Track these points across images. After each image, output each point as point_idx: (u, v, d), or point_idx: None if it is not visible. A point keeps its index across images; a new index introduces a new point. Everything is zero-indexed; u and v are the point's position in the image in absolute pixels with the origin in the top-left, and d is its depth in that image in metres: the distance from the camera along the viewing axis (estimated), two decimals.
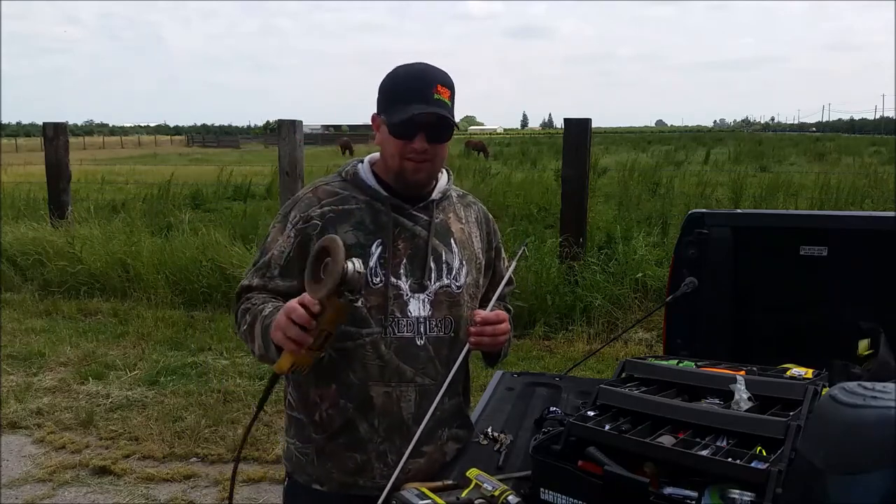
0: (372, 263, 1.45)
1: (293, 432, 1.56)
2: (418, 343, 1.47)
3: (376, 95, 1.49)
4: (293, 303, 1.28)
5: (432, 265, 1.50)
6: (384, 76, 1.47)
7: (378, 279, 1.45)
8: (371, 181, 1.51)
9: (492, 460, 1.57)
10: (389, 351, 1.45)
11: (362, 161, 1.57)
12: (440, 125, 1.42)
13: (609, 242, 5.91)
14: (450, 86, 1.44)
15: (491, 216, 1.70)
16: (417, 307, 1.48)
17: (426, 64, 1.46)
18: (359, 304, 1.41)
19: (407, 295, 1.47)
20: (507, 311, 1.70)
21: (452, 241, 1.54)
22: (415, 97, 1.40)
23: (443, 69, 1.47)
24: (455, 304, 1.52)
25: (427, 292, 1.49)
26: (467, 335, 1.48)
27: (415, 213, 1.51)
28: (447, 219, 1.56)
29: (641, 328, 5.03)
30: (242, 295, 1.53)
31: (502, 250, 1.73)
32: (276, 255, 1.49)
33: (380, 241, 1.46)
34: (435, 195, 1.54)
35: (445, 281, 1.51)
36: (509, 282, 1.71)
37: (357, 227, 1.47)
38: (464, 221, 1.60)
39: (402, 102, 1.40)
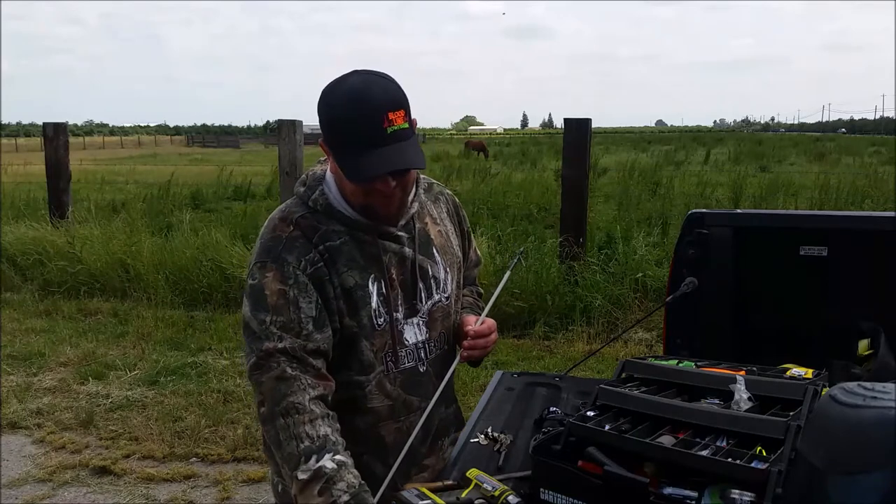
0: (374, 304, 1.33)
1: None
2: (421, 370, 1.42)
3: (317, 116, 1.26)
4: None
5: (421, 285, 1.40)
6: (320, 99, 1.24)
7: (382, 319, 1.35)
8: (347, 210, 1.33)
9: (492, 460, 1.57)
10: (395, 387, 1.39)
11: (324, 182, 1.36)
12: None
13: (609, 242, 5.92)
14: (400, 103, 1.21)
15: (457, 199, 1.58)
16: (413, 333, 1.40)
17: (365, 82, 1.21)
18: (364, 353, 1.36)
19: (401, 324, 1.38)
20: (479, 294, 1.70)
21: (434, 250, 1.44)
22: (366, 138, 1.18)
23: (385, 79, 1.22)
24: (447, 315, 1.47)
25: (420, 314, 1.41)
26: (459, 347, 1.45)
27: (399, 232, 1.37)
28: (425, 226, 1.44)
29: (641, 328, 5.03)
30: (274, 358, 1.24)
31: (471, 234, 1.64)
32: (304, 308, 1.27)
33: (373, 276, 1.34)
34: (414, 208, 1.40)
35: (435, 297, 1.43)
36: (478, 262, 1.70)
37: (351, 266, 1.32)
38: (439, 221, 1.49)
39: (351, 146, 1.21)
